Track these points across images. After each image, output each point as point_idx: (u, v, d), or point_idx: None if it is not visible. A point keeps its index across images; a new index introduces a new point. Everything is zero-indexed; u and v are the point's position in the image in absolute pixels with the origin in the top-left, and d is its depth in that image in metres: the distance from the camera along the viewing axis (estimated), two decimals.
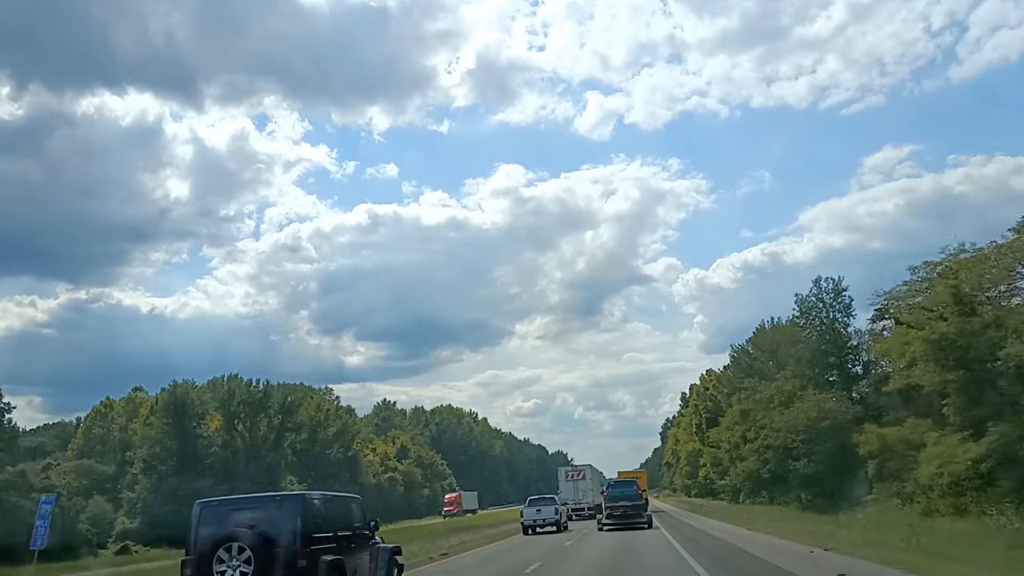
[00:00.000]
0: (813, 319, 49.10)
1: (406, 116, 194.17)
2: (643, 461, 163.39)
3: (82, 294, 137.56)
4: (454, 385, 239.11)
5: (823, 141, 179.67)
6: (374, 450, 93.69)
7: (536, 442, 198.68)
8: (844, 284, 48.60)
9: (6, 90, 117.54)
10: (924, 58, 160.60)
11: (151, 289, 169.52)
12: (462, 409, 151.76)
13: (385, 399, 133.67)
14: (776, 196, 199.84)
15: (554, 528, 36.76)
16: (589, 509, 47.78)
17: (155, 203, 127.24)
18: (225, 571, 10.58)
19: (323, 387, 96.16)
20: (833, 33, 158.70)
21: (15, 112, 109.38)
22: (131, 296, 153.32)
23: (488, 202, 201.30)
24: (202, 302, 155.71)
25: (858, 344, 47.48)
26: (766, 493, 57.10)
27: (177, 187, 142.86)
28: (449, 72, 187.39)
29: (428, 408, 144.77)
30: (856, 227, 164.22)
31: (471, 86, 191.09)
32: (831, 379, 47.89)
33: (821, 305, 48.90)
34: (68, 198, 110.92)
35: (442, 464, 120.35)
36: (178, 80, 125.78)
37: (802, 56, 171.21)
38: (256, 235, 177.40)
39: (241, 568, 10.55)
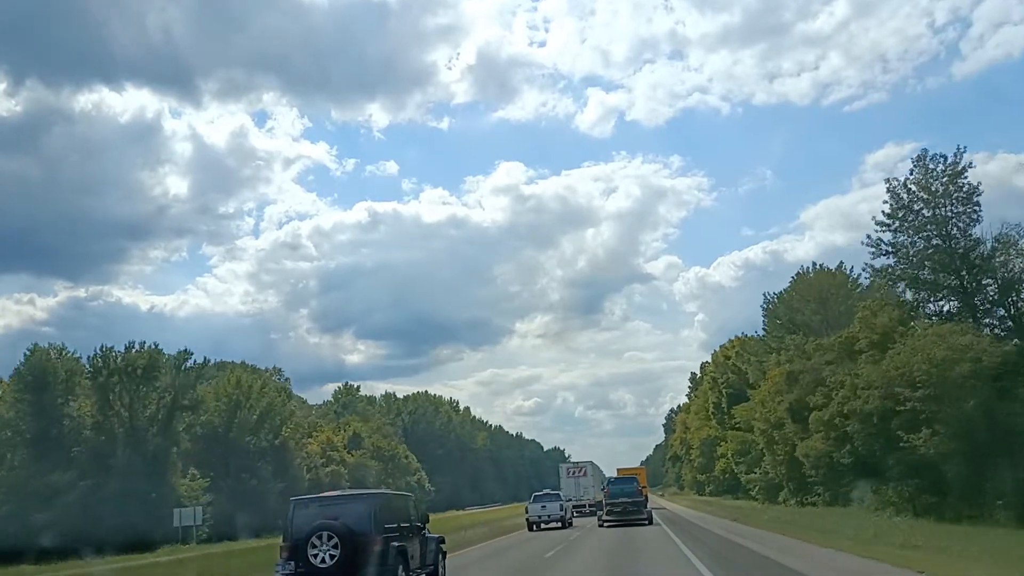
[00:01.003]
0: (914, 217, 31.30)
1: (406, 113, 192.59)
2: (643, 459, 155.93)
3: (81, 292, 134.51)
4: (454, 384, 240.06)
5: (825, 138, 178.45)
6: (316, 439, 75.84)
7: (531, 439, 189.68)
8: (966, 161, 30.84)
9: (2, 86, 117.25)
10: (927, 54, 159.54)
11: (151, 287, 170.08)
12: (440, 397, 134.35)
13: (347, 382, 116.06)
14: (778, 194, 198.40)
15: (559, 524, 36.95)
16: (590, 506, 47.39)
17: (154, 200, 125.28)
18: (317, 554, 12.85)
19: (271, 367, 79.14)
20: (836, 29, 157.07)
21: (13, 108, 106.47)
22: (131, 294, 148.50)
23: (488, 200, 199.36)
24: (202, 300, 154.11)
25: (992, 254, 29.76)
26: (823, 491, 39.61)
27: (176, 184, 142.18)
28: (449, 68, 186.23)
29: (401, 395, 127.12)
30: (858, 225, 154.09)
31: (471, 82, 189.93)
32: (951, 307, 30.21)
33: (928, 195, 31.10)
34: (66, 195, 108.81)
35: (407, 457, 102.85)
36: (176, 76, 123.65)
37: (804, 52, 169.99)
38: (256, 233, 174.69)
39: (330, 552, 12.83)
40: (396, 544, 13.51)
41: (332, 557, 12.77)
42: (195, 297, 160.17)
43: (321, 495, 15.24)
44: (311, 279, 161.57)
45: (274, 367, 79.76)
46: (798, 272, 54.72)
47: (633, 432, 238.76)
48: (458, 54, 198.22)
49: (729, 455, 63.78)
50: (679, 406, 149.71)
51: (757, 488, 53.85)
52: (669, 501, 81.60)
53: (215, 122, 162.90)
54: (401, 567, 13.53)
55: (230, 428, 65.23)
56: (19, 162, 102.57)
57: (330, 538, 12.83)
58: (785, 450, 43.69)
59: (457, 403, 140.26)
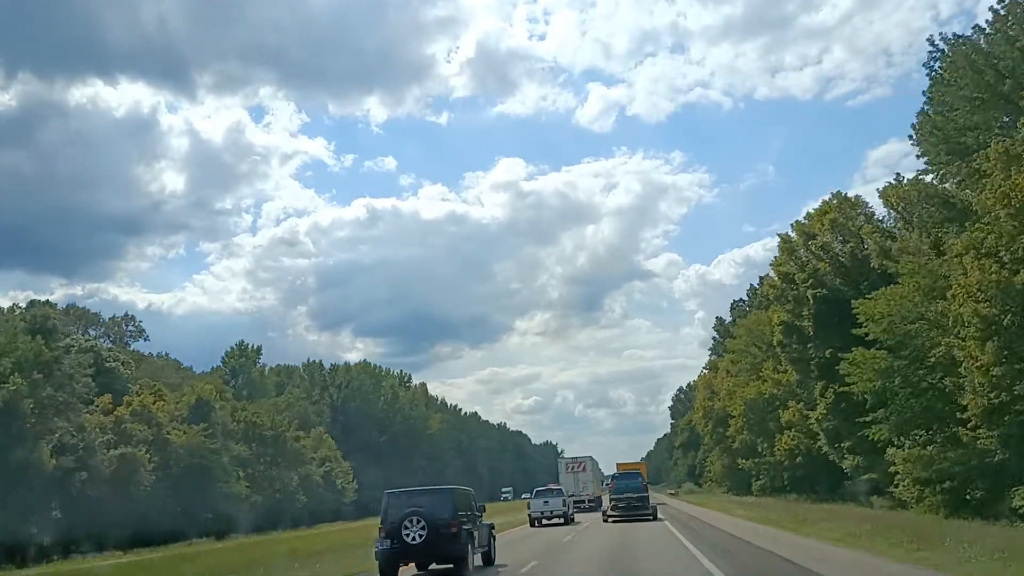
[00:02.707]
0: None
1: (404, 107, 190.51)
2: (644, 456, 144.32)
3: (77, 290, 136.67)
4: (453, 382, 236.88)
5: (827, 134, 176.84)
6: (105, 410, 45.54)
7: (517, 430, 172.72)
8: None
9: None
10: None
11: (148, 285, 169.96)
12: (382, 369, 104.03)
13: (242, 340, 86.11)
14: (779, 190, 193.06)
15: (561, 520, 36.59)
16: (590, 501, 46.80)
17: (150, 196, 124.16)
18: (409, 534, 16.40)
19: None
20: (839, 22, 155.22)
21: (7, 103, 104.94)
22: (127, 292, 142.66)
23: (488, 196, 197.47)
24: (199, 298, 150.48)
25: None
26: None
27: (172, 180, 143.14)
28: (448, 61, 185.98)
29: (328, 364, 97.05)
30: None
31: (471, 76, 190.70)
32: None
33: None
34: (61, 190, 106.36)
35: (323, 437, 73.49)
36: (170, 68, 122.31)
37: (807, 46, 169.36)
38: (253, 229, 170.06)
39: (419, 532, 16.41)
40: (466, 527, 17.28)
41: (420, 536, 16.42)
42: (192, 295, 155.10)
43: (409, 489, 18.65)
44: (309, 276, 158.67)
45: None
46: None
47: (633, 430, 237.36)
48: (457, 47, 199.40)
49: (820, 421, 33.64)
50: (689, 384, 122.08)
51: (914, 483, 23.60)
52: (694, 505, 51.18)
53: (212, 117, 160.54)
54: (469, 544, 17.43)
55: None
56: (13, 156, 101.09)
57: (419, 521, 16.44)
58: None
59: (408, 377, 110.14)
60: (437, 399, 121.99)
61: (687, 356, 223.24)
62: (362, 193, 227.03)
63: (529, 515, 37.16)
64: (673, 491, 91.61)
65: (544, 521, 36.43)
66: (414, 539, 16.37)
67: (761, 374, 47.61)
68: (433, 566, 18.01)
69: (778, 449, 43.40)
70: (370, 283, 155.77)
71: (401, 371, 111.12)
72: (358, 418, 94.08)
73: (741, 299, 71.42)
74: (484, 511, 19.95)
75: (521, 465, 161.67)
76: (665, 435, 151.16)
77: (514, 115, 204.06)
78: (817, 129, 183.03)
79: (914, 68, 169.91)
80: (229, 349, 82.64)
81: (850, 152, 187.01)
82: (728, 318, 75.75)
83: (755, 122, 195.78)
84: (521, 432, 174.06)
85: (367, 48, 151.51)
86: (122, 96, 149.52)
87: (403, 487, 19.59)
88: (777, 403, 44.61)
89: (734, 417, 51.99)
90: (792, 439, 41.48)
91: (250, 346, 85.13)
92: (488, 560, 19.31)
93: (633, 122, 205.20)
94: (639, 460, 77.66)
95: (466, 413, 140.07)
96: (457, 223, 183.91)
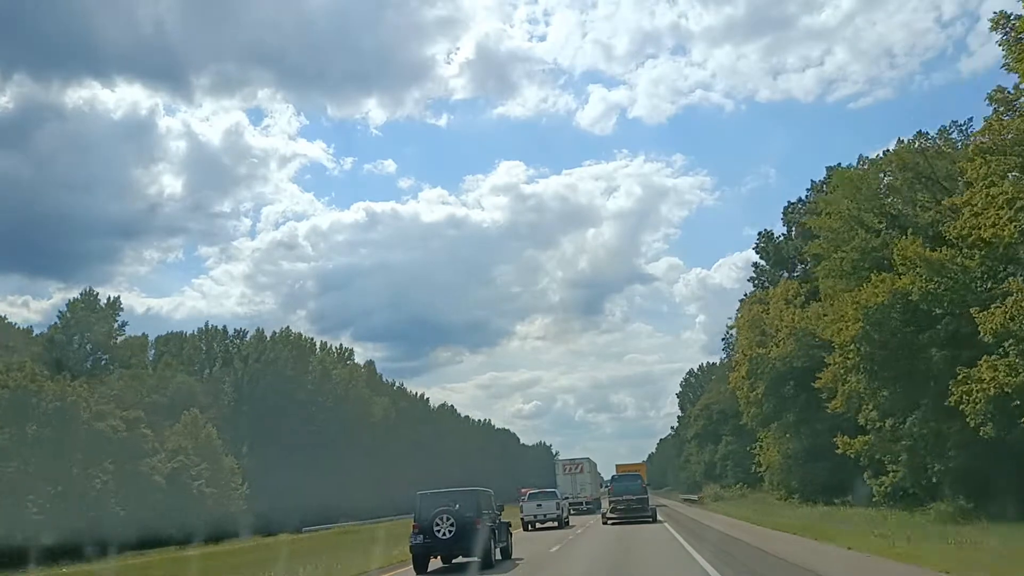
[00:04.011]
0: None
1: (404, 109, 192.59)
2: (644, 459, 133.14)
3: (75, 294, 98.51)
4: (453, 387, 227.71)
5: (829, 136, 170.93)
6: None
7: (503, 428, 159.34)
8: None
9: None
10: (934, 49, 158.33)
11: (146, 289, 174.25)
12: (309, 340, 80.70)
13: (89, 287, 65.02)
14: (781, 193, 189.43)
15: (555, 524, 35.93)
16: (588, 503, 46.64)
17: (148, 199, 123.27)
18: (440, 530, 18.43)
19: None
20: (841, 23, 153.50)
21: (4, 105, 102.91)
22: (126, 296, 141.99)
23: (488, 199, 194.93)
24: (198, 302, 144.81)
25: None
26: None
27: (171, 183, 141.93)
28: (448, 63, 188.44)
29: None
30: None
31: (470, 77, 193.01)
32: None
33: None
34: (58, 194, 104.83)
35: (201, 424, 51.26)
36: (167, 70, 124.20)
37: (809, 47, 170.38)
38: (252, 233, 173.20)
39: (449, 528, 18.42)
40: (489, 524, 19.34)
41: (450, 532, 18.43)
42: (191, 299, 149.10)
43: (438, 491, 20.20)
44: (308, 280, 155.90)
45: None
46: None
47: (633, 435, 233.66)
48: (457, 48, 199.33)
49: None
50: (700, 367, 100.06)
51: None
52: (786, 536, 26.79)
53: (210, 119, 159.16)
54: (492, 540, 19.36)
55: None
56: (10, 159, 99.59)
57: (448, 519, 18.46)
58: None
59: (348, 353, 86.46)
60: (394, 385, 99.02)
61: (688, 360, 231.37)
62: (361, 196, 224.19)
63: (522, 519, 35.87)
64: (695, 497, 68.23)
65: (537, 525, 35.98)
66: (444, 534, 18.55)
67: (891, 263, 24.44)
68: (459, 559, 19.78)
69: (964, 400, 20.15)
70: (369, 287, 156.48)
71: (341, 345, 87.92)
72: (271, 400, 70.67)
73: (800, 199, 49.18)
74: (503, 510, 22.97)
75: (506, 466, 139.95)
76: (669, 435, 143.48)
77: (514, 117, 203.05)
78: (818, 132, 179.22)
79: (917, 70, 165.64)
80: (71, 300, 59.20)
81: (852, 154, 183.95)
82: (779, 231, 53.28)
83: (756, 124, 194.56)
84: (507, 430, 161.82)
85: (366, 49, 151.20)
86: (119, 98, 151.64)
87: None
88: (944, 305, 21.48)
89: (832, 363, 28.56)
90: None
91: (114, 298, 61.85)
92: (506, 554, 21.10)
93: (634, 124, 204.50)
94: (640, 462, 71.90)
95: (437, 406, 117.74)
96: (457, 226, 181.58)
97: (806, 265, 43.78)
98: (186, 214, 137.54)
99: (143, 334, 70.78)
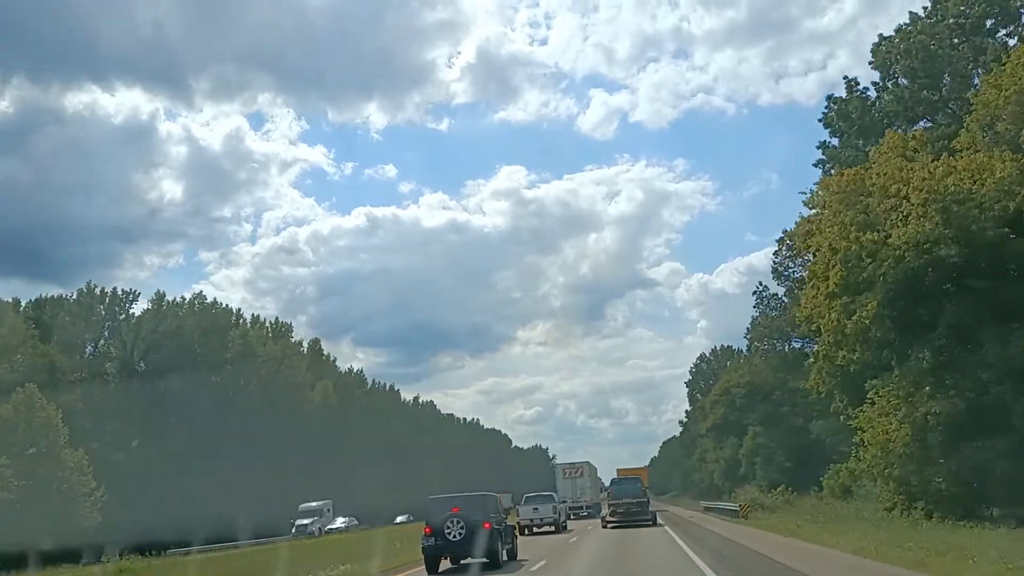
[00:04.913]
0: None
1: (404, 114, 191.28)
2: (645, 465, 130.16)
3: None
4: (455, 392, 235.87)
5: (832, 140, 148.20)
6: None
7: (492, 428, 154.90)
8: None
9: None
10: None
11: (146, 294, 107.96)
12: (218, 303, 65.42)
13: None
14: (783, 198, 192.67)
15: (552, 528, 35.87)
16: (588, 508, 46.91)
17: (148, 204, 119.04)
18: (451, 532, 19.28)
19: None
20: (844, 26, 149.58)
21: (3, 110, 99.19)
22: None
23: (489, 204, 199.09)
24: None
25: None
26: None
27: (171, 188, 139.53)
28: (449, 67, 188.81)
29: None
30: None
31: (471, 81, 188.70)
32: None
33: None
34: (58, 198, 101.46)
35: (39, 406, 35.31)
36: (167, 74, 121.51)
37: (812, 50, 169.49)
38: (252, 238, 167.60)
39: (459, 531, 19.26)
40: (496, 527, 20.16)
41: (460, 534, 19.27)
42: None
43: (449, 496, 21.60)
44: (309, 285, 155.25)
45: None
46: None
47: (635, 440, 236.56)
48: (458, 52, 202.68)
49: None
50: (714, 350, 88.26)
51: None
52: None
53: (210, 124, 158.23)
54: (499, 542, 20.23)
55: None
56: (9, 163, 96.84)
57: (459, 522, 19.31)
58: None
59: (286, 327, 70.36)
60: (342, 369, 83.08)
61: (689, 366, 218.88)
62: (362, 201, 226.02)
63: (519, 523, 33.28)
64: (733, 507, 40.36)
65: (535, 529, 35.64)
66: (455, 536, 19.40)
67: None
68: (468, 560, 20.62)
69: None
70: (370, 292, 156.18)
71: (277, 318, 71.96)
72: (173, 380, 54.46)
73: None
74: (508, 514, 24.48)
75: (496, 469, 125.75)
76: (673, 437, 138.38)
77: (515, 122, 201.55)
78: (820, 136, 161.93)
79: None
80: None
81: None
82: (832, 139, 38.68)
83: (758, 129, 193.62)
84: (498, 431, 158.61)
85: (366, 53, 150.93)
86: (120, 103, 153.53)
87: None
88: None
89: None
90: None
91: None
92: (512, 556, 22.01)
93: (635, 129, 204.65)
94: (641, 467, 71.06)
95: (410, 401, 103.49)
96: (458, 231, 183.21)
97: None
98: (186, 219, 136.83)
99: (14, 299, 54.96)
